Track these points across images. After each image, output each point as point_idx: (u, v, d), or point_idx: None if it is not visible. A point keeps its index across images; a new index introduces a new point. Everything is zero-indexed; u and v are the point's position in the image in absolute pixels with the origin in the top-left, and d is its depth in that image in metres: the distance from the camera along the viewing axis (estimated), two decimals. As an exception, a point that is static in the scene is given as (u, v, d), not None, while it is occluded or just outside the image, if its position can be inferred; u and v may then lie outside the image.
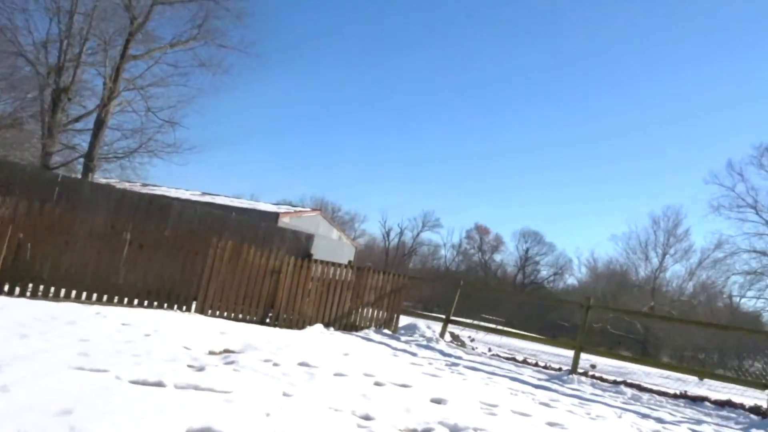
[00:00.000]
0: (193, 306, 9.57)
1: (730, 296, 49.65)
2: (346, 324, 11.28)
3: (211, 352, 5.78)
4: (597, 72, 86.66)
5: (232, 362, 5.27)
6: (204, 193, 28.62)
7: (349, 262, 13.15)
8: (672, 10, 79.14)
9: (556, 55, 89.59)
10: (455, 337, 13.09)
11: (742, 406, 8.38)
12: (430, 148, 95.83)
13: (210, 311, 9.69)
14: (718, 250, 48.00)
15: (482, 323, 14.68)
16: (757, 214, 43.59)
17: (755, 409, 8.21)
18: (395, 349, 9.46)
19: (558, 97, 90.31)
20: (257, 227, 15.69)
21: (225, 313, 9.85)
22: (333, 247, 25.73)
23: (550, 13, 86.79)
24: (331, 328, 10.83)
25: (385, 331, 11.56)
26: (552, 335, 41.26)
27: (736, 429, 7.21)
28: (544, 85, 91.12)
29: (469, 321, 13.50)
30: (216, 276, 9.75)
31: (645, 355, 47.28)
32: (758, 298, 45.23)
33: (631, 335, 51.10)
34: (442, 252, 78.53)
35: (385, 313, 11.88)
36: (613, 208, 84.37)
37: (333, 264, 11.52)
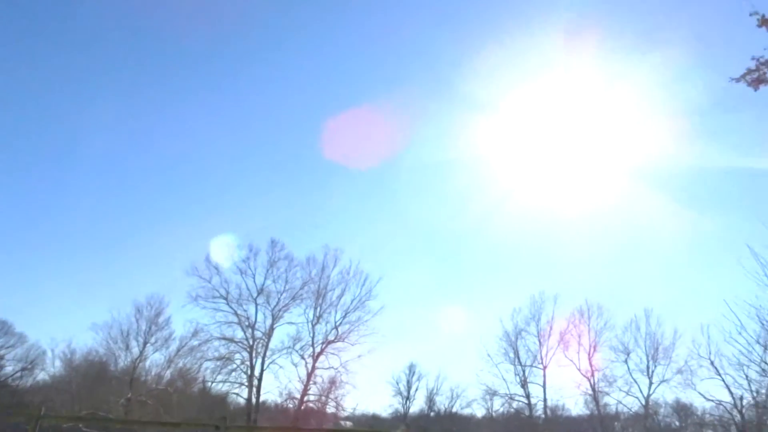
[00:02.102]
0: None
1: (203, 381, 53.43)
2: None
3: None
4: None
5: None
6: None
7: None
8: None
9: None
10: None
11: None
12: None
13: None
14: (195, 338, 51.53)
15: None
16: (228, 304, 49.35)
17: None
18: None
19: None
20: None
21: None
22: None
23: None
24: None
25: None
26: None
27: None
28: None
29: None
30: None
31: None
32: (225, 381, 50.12)
33: (106, 432, 48.50)
34: None
35: None
36: (95, 295, 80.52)
37: None
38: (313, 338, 50.25)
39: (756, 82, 10.78)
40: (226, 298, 49.40)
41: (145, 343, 56.07)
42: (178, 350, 55.49)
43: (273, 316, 49.81)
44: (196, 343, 51.29)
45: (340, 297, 51.37)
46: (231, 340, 49.23)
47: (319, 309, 50.90)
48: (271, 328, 49.62)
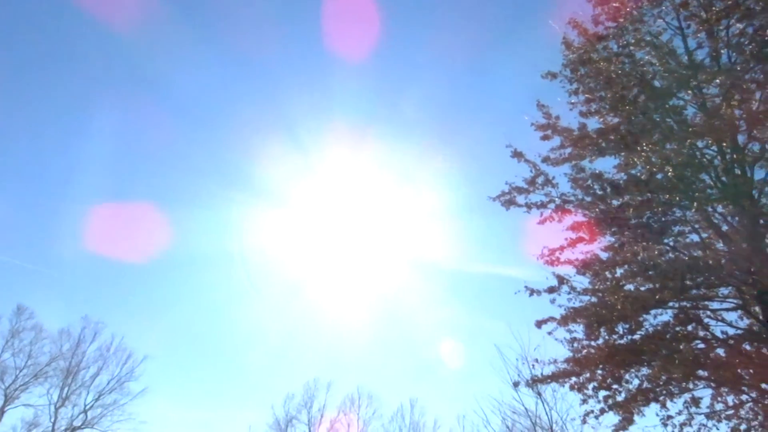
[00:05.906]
0: None
1: None
2: None
3: None
4: None
5: None
6: None
7: None
8: None
9: None
10: None
11: None
12: None
13: None
14: None
15: None
16: (-53, 380, 41.02)
17: None
18: None
19: None
20: None
21: None
22: None
23: None
24: None
25: None
26: None
27: None
28: None
29: None
30: None
31: None
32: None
33: None
34: None
35: None
36: None
37: None
38: (54, 423, 43.45)
39: (507, 204, 12.68)
40: (-56, 374, 41.02)
41: None
42: None
43: (6, 396, 42.33)
44: None
45: (95, 376, 45.62)
46: (-58, 424, 40.53)
47: (67, 389, 44.54)
48: (1, 411, 42.04)
